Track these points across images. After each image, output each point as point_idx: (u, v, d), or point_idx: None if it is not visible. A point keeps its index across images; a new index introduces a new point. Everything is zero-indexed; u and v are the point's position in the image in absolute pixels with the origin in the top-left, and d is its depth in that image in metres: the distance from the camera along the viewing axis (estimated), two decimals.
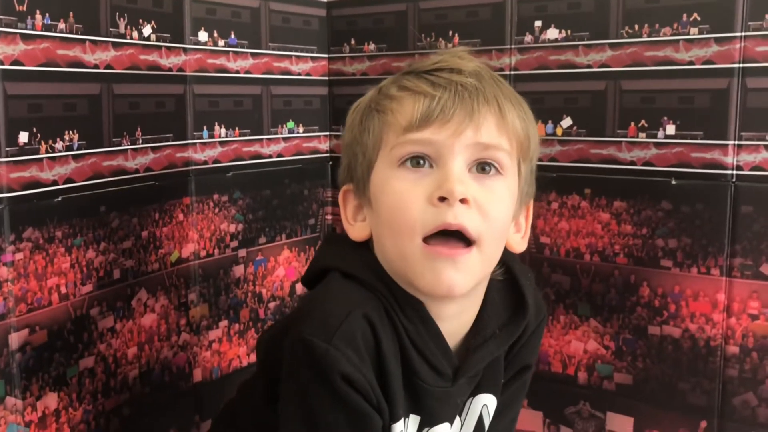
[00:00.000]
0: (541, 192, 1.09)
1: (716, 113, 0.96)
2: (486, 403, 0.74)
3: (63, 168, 0.87)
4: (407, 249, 0.64)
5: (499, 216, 0.66)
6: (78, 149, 0.89)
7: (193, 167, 1.06)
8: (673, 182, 0.99)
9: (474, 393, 0.74)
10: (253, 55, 1.14)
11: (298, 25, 1.23)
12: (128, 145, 0.96)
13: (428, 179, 0.64)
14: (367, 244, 0.71)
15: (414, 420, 0.69)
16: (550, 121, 1.08)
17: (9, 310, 0.81)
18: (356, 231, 0.71)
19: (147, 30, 0.98)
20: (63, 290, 0.88)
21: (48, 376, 0.86)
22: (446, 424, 0.71)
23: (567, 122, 1.07)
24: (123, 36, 0.94)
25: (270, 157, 1.19)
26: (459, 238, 0.64)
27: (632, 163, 1.02)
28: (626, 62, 1.01)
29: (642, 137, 1.01)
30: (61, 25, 0.86)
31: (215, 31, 1.08)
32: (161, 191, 1.01)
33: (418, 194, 0.64)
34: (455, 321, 0.70)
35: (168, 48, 1.01)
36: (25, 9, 0.81)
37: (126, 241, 0.96)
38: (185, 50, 1.04)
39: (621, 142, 1.03)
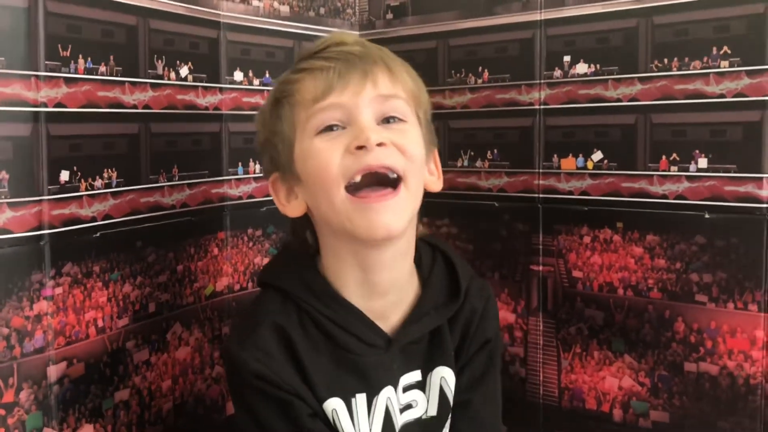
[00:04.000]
0: (573, 225, 1.09)
1: (749, 146, 0.95)
2: (443, 376, 0.81)
3: (102, 204, 0.90)
4: (336, 199, 0.72)
5: (416, 152, 0.74)
6: (116, 186, 0.92)
7: (228, 203, 1.09)
8: (707, 216, 0.98)
9: (429, 368, 0.81)
10: None
11: None
12: (165, 181, 0.99)
13: (344, 136, 0.72)
14: (312, 258, 0.80)
15: (361, 398, 0.77)
16: (581, 155, 1.08)
17: (48, 343, 0.84)
18: (292, 209, 0.79)
19: (184, 71, 1.01)
20: (100, 323, 0.90)
21: (84, 408, 0.88)
22: (389, 388, 0.78)
23: (598, 156, 1.07)
24: (161, 77, 0.98)
25: None
26: (383, 184, 0.72)
27: (664, 196, 1.01)
28: (656, 96, 1.01)
29: (674, 171, 1.00)
30: (102, 68, 0.90)
31: (250, 71, 1.11)
32: (197, 226, 1.04)
33: (336, 148, 0.72)
34: (394, 267, 0.78)
35: (204, 87, 1.04)
36: (68, 54, 0.85)
37: (162, 276, 0.98)
38: (221, 89, 1.07)
39: (652, 175, 1.02)
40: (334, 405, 0.76)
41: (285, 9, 1.18)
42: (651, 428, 1.04)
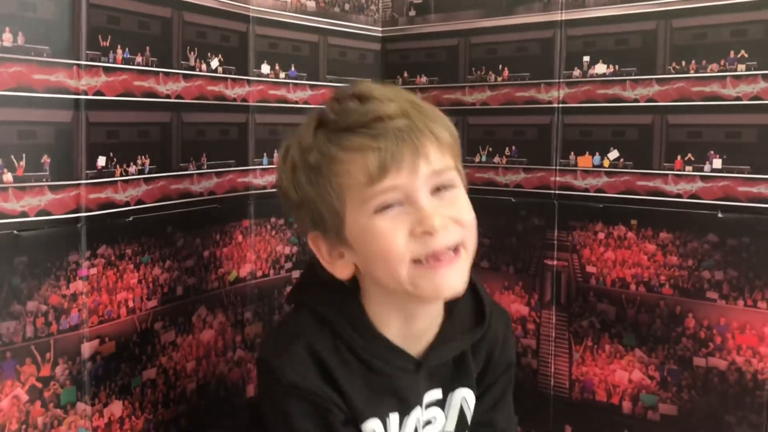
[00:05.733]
0: (587, 222, 1.11)
1: (763, 148, 0.97)
2: (464, 396, 0.85)
3: (135, 190, 0.93)
4: (401, 273, 0.74)
5: (470, 219, 0.77)
6: (149, 173, 0.95)
7: (253, 192, 1.12)
8: (720, 215, 1.01)
9: (451, 388, 0.85)
10: (311, 86, 1.20)
11: (354, 59, 1.29)
12: (194, 169, 1.02)
13: (405, 216, 0.74)
14: (353, 292, 0.81)
15: (394, 417, 0.81)
16: (597, 153, 1.11)
17: (83, 321, 0.87)
18: (339, 270, 0.80)
19: (215, 63, 1.04)
20: (131, 304, 0.94)
21: (114, 384, 0.92)
22: (418, 408, 0.83)
23: (614, 154, 1.10)
24: (193, 68, 1.01)
25: None
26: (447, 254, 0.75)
27: (678, 195, 1.04)
28: (673, 97, 1.04)
29: (688, 170, 1.03)
30: (138, 59, 0.93)
31: (277, 64, 1.15)
32: (223, 214, 1.07)
33: (400, 229, 0.73)
34: (435, 313, 0.82)
35: (233, 79, 1.08)
36: (108, 44, 0.88)
37: (189, 260, 1.02)
38: (249, 82, 1.10)
39: (667, 174, 1.05)
40: (373, 426, 0.79)
41: (311, 4, 1.21)
42: (659, 421, 1.06)
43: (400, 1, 1.32)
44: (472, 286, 0.86)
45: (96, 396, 0.89)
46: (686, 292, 1.04)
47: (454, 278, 0.75)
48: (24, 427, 0.82)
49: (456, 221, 0.75)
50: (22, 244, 0.81)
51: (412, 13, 1.30)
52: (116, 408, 0.92)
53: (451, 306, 0.84)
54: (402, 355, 0.81)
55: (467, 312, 0.85)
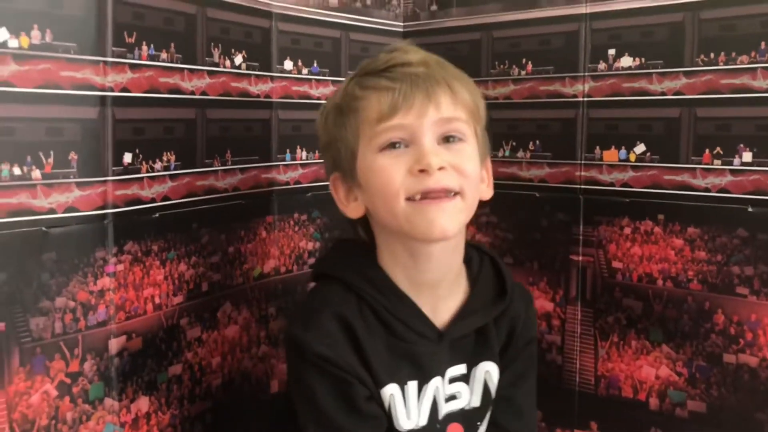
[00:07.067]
0: (613, 217, 1.10)
1: None
2: (488, 370, 0.87)
3: (161, 186, 0.94)
4: (396, 209, 0.78)
5: (472, 171, 0.80)
6: (174, 169, 0.96)
7: (276, 188, 1.12)
8: (750, 210, 0.99)
9: (475, 363, 0.86)
10: (334, 82, 1.20)
11: (375, 54, 1.27)
12: (219, 166, 1.02)
13: (406, 156, 0.78)
14: (369, 253, 0.86)
15: (413, 385, 0.82)
16: (623, 147, 1.10)
17: (110, 317, 0.88)
18: (352, 210, 0.85)
19: (238, 59, 1.04)
20: (157, 300, 0.94)
21: (141, 380, 0.92)
22: (438, 378, 0.84)
23: (640, 148, 1.08)
24: (217, 64, 1.01)
25: None
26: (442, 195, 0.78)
27: (707, 189, 1.02)
28: (701, 90, 1.02)
29: (717, 164, 1.02)
30: (163, 55, 0.93)
31: (299, 60, 1.14)
32: (247, 210, 1.07)
33: (399, 166, 0.77)
34: (442, 262, 0.83)
35: (257, 76, 1.08)
36: (133, 41, 0.89)
37: (214, 256, 1.02)
38: (272, 78, 1.10)
39: (695, 168, 1.03)
40: (391, 390, 0.81)
41: (333, 0, 1.20)
42: (687, 418, 1.05)
43: None
44: (494, 263, 0.90)
45: (123, 391, 0.90)
46: (715, 288, 1.02)
47: (445, 218, 0.77)
48: (53, 422, 0.82)
49: (456, 168, 0.78)
50: (51, 240, 0.81)
51: (434, 7, 1.30)
52: (143, 403, 0.92)
53: (473, 281, 0.88)
54: (424, 321, 0.83)
55: (489, 286, 0.88)
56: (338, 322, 0.79)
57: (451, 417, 0.85)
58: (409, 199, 0.77)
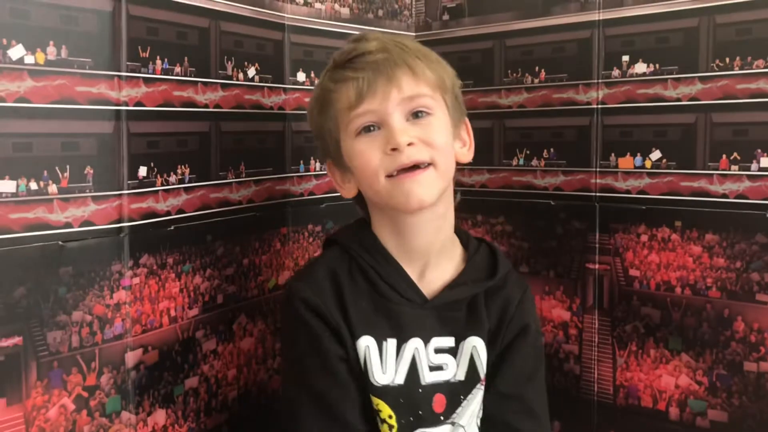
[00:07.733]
0: (630, 224, 1.09)
1: None
2: (475, 345, 0.89)
3: (176, 199, 0.94)
4: (378, 186, 0.85)
5: (441, 142, 0.86)
6: (189, 182, 0.96)
7: (290, 199, 1.12)
8: None
9: (463, 337, 0.89)
10: None
11: None
12: (233, 178, 1.03)
13: (379, 138, 0.85)
14: (367, 224, 0.93)
15: (392, 343, 0.87)
16: (639, 154, 1.09)
17: (126, 330, 0.88)
18: (347, 191, 0.93)
19: (251, 72, 1.05)
20: (173, 313, 0.94)
21: (158, 393, 0.92)
22: (418, 340, 0.87)
23: (656, 155, 1.07)
24: (230, 77, 1.01)
25: None
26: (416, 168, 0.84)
27: (724, 195, 1.01)
28: (717, 95, 1.01)
29: (734, 170, 1.00)
30: (177, 69, 0.94)
31: (312, 72, 1.15)
32: (261, 222, 1.07)
33: (374, 149, 0.85)
34: (427, 231, 0.89)
35: (270, 88, 1.08)
36: (147, 55, 0.89)
37: (229, 268, 1.02)
38: (285, 90, 1.11)
39: (712, 174, 1.02)
40: (366, 342, 0.86)
41: (345, 11, 1.21)
42: (709, 428, 1.04)
43: (433, 5, 1.31)
44: (492, 249, 0.96)
45: (140, 405, 0.90)
46: (734, 295, 1.01)
47: (421, 188, 0.84)
48: None
49: (425, 142, 0.84)
50: (67, 254, 0.82)
51: (446, 17, 1.30)
52: (160, 417, 0.92)
53: (468, 260, 0.93)
54: (409, 283, 0.89)
55: (483, 265, 0.93)
56: (328, 275, 0.88)
57: (437, 388, 0.87)
58: (389, 176, 0.84)
